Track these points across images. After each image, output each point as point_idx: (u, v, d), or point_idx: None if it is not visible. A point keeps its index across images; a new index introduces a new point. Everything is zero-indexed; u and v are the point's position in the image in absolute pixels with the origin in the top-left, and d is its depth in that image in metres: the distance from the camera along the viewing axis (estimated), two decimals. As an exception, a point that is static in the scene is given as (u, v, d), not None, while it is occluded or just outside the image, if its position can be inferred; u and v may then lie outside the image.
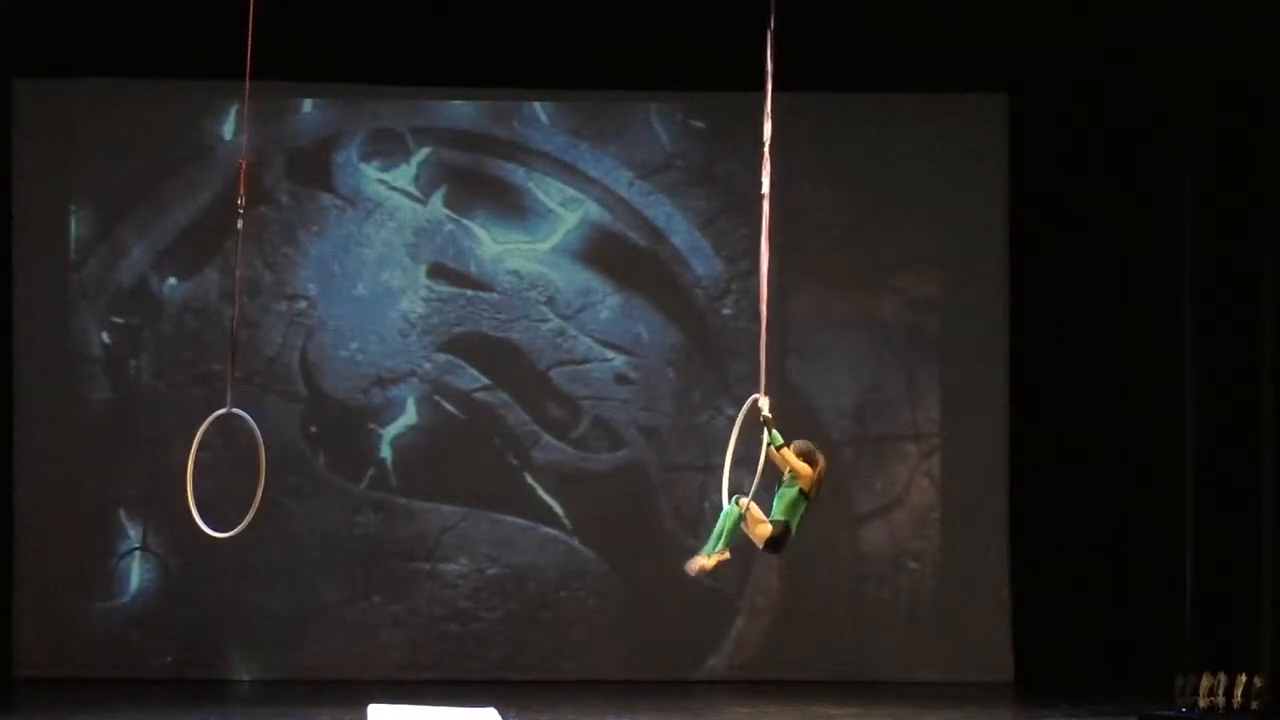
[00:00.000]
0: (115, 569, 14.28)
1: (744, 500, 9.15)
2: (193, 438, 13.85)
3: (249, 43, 9.93)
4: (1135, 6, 13.49)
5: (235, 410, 9.94)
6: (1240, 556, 12.15)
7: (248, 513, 9.77)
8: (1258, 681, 11.81)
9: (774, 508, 9.36)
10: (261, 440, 9.95)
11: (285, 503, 13.97)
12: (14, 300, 14.21)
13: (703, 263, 14.72)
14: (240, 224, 10.29)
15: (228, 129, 14.47)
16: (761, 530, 9.31)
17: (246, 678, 14.21)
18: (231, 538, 9.99)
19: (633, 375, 14.68)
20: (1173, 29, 13.05)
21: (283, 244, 14.49)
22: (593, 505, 14.59)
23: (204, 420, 13.83)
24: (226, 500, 13.52)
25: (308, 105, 14.50)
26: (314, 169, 14.55)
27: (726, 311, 14.65)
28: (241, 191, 10.13)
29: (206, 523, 9.73)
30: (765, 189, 9.14)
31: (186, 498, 9.84)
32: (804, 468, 9.25)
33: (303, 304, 14.53)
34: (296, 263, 14.53)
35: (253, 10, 9.84)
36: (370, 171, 14.62)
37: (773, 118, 9.14)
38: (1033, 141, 14.42)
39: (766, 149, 9.13)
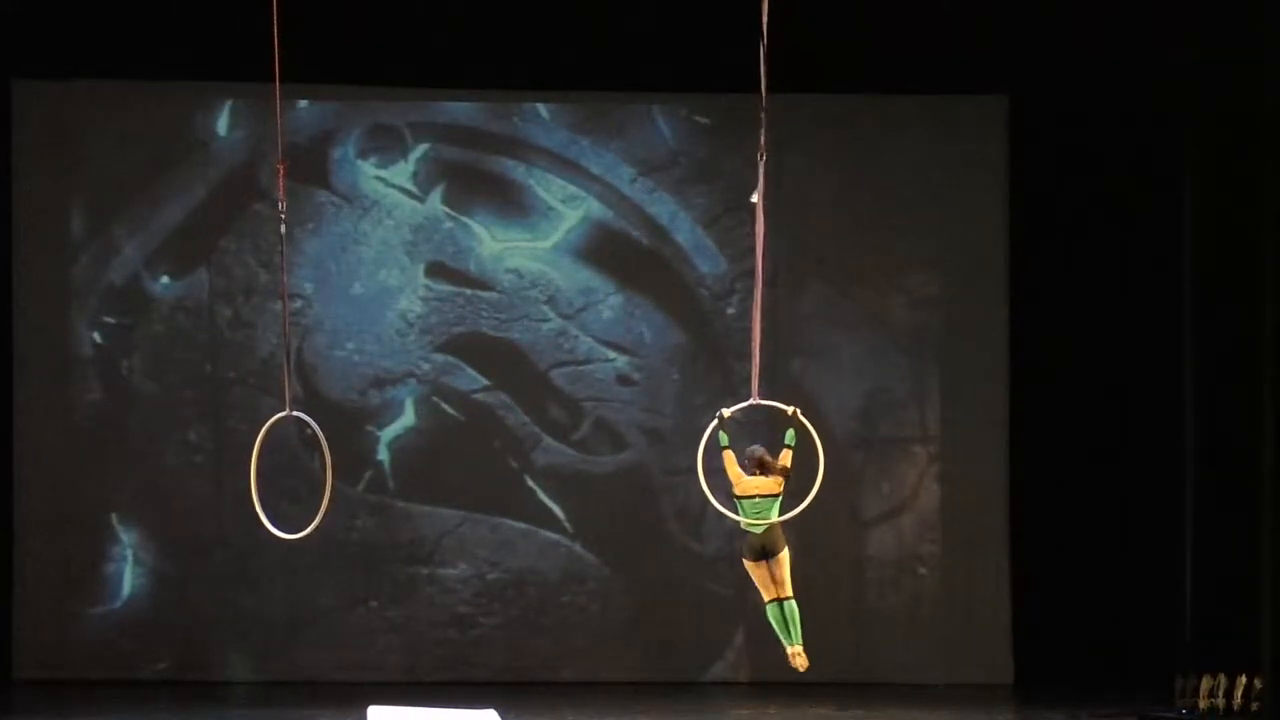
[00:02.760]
0: (110, 573, 15.00)
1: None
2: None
3: (274, 44, 10.57)
4: (1134, 8, 14.12)
5: (297, 413, 10.47)
6: (1240, 557, 12.92)
7: (274, 514, 10.37)
8: (1257, 683, 12.61)
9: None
10: (324, 440, 10.45)
11: (281, 506, 13.93)
12: (13, 301, 14.92)
13: (707, 261, 15.45)
14: (283, 228, 10.95)
15: (222, 125, 15.20)
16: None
17: (243, 679, 14.92)
18: (298, 540, 10.53)
19: (635, 376, 15.41)
20: (1172, 30, 13.78)
21: (278, 242, 14.85)
22: (594, 508, 15.31)
23: (202, 420, 14.93)
24: (220, 501, 14.60)
25: (304, 101, 15.16)
26: (310, 166, 15.23)
27: (731, 311, 15.34)
28: (281, 196, 10.78)
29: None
30: (758, 197, 9.83)
31: (253, 500, 10.37)
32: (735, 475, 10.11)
33: (299, 303, 15.19)
34: (292, 261, 15.12)
35: (276, 12, 10.51)
36: (368, 168, 15.33)
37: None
38: (1033, 142, 15.19)
39: (761, 158, 9.80)
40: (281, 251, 11.35)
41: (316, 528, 10.43)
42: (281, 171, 10.80)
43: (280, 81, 10.90)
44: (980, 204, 15.38)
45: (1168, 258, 14.24)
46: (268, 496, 12.57)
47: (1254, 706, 12.68)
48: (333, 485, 10.45)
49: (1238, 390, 13.16)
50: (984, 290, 15.38)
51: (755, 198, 9.82)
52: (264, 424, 10.57)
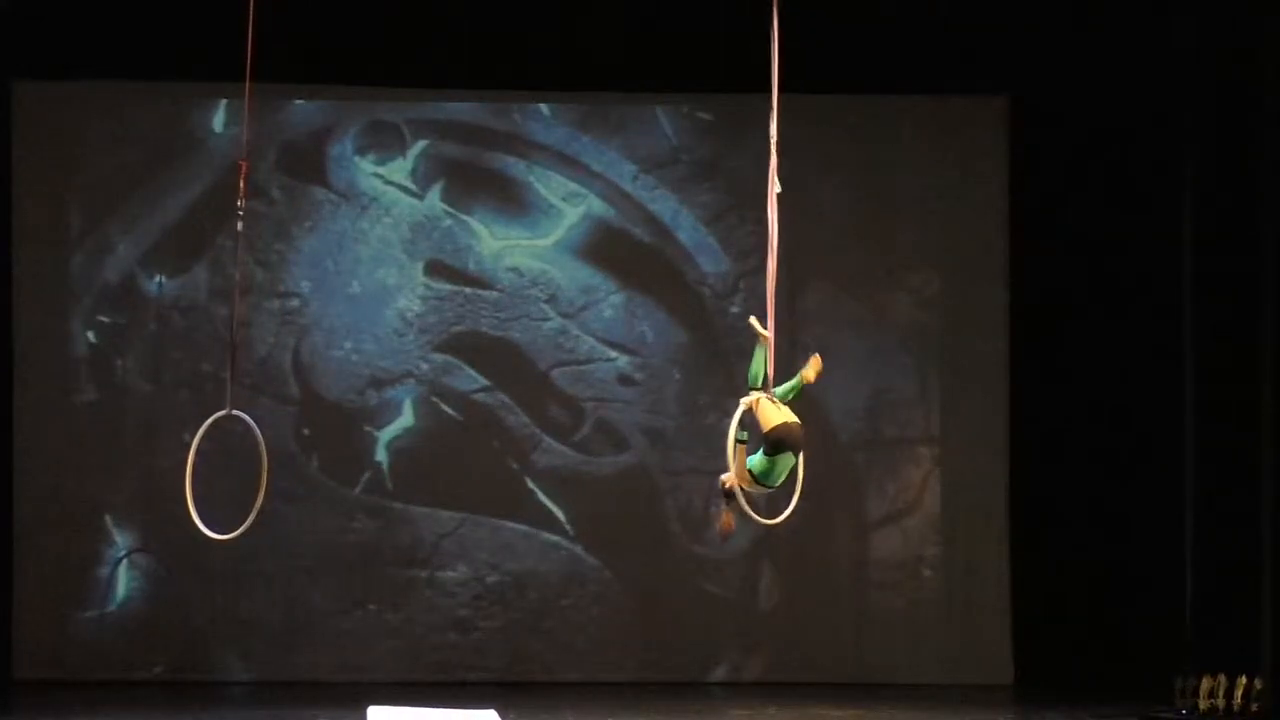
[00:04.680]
0: (105, 575, 15.56)
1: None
2: (181, 440, 15.27)
3: (249, 43, 11.12)
4: (1135, 7, 14.82)
5: (235, 412, 11.03)
6: (1240, 558, 13.50)
7: (245, 515, 10.85)
8: (1257, 683, 13.26)
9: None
10: (263, 441, 11.04)
11: (278, 508, 14.81)
12: (13, 302, 15.47)
13: (709, 260, 16.04)
14: (240, 225, 11.44)
15: (218, 121, 15.78)
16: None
17: (243, 679, 15.45)
18: (228, 541, 11.10)
19: (637, 376, 15.99)
20: (1173, 30, 14.38)
21: (275, 240, 15.73)
22: (595, 510, 15.87)
23: (198, 421, 15.11)
24: (217, 503, 15.22)
25: (300, 98, 15.78)
26: (307, 162, 15.83)
27: (734, 310, 15.86)
28: (242, 193, 11.27)
29: (228, 525, 10.89)
30: (775, 190, 10.25)
31: (185, 499, 10.89)
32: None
33: (295, 302, 15.80)
34: (289, 259, 15.77)
35: (253, 10, 11.06)
36: (365, 165, 15.89)
37: (778, 120, 10.25)
38: (1033, 142, 15.79)
39: (773, 153, 10.23)
40: (238, 246, 12.11)
41: (248, 529, 10.95)
42: (243, 169, 11.20)
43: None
44: (980, 204, 15.95)
45: (1168, 257, 14.72)
46: (264, 498, 13.32)
47: (1254, 707, 13.27)
48: (267, 487, 10.99)
49: (1238, 389, 13.64)
50: (984, 289, 15.96)
51: (777, 188, 10.24)
52: (260, 424, 11.15)
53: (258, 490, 10.88)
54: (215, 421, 11.06)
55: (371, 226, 15.96)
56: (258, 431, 11.03)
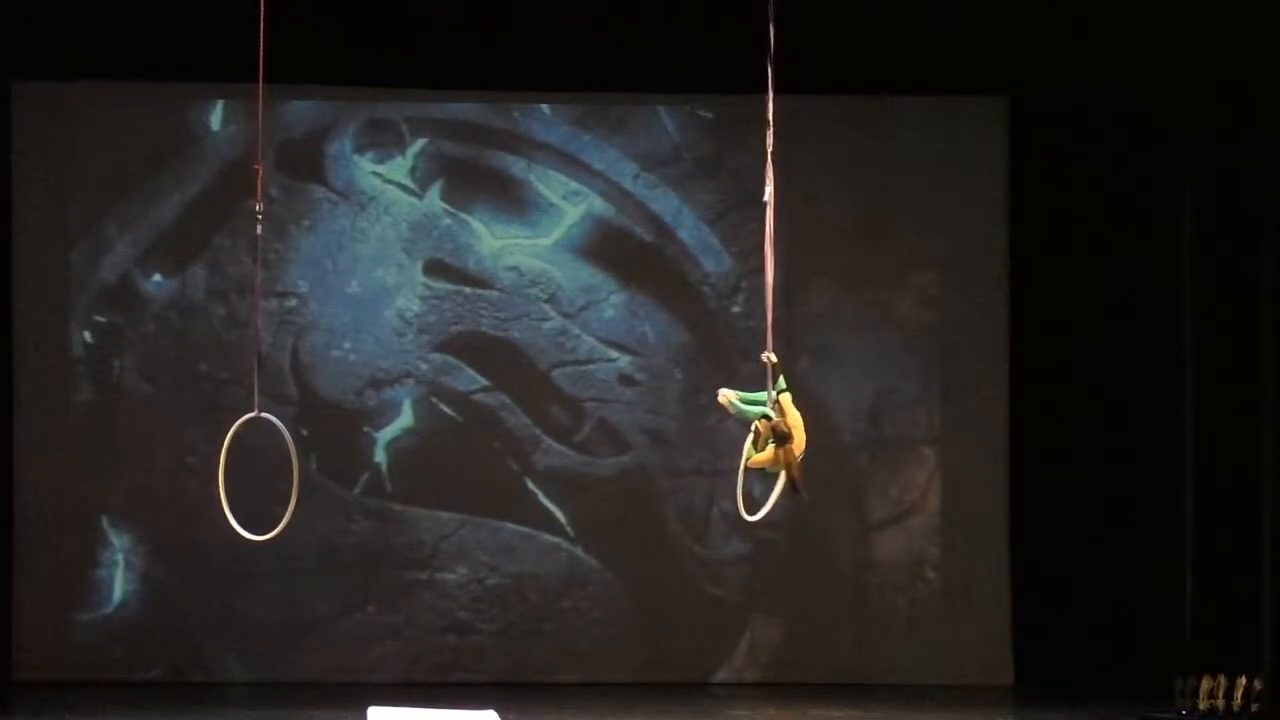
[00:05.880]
0: (101, 577, 15.84)
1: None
2: (179, 440, 15.83)
3: (261, 44, 11.43)
4: (1135, 7, 15.15)
5: (264, 414, 11.36)
6: (1240, 558, 13.81)
7: (251, 515, 11.31)
8: (1257, 684, 13.59)
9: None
10: (291, 442, 11.40)
11: (276, 509, 13.83)
12: (13, 303, 15.73)
13: (711, 259, 16.29)
14: (259, 229, 11.71)
15: (215, 120, 16.04)
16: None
17: (242, 680, 15.71)
18: (263, 541, 11.54)
19: (638, 376, 16.24)
20: (1172, 30, 14.68)
21: (273, 239, 15.84)
22: (596, 511, 16.14)
23: (196, 421, 15.69)
24: (215, 503, 15.54)
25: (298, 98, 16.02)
26: (305, 161, 16.06)
27: (736, 310, 16.18)
28: (259, 196, 11.56)
29: (227, 526, 11.32)
30: (769, 196, 10.59)
31: (220, 500, 11.38)
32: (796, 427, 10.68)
33: (293, 302, 16.04)
34: (287, 259, 16.01)
35: (264, 10, 11.40)
36: (364, 164, 16.14)
37: (780, 120, 10.61)
38: (1033, 143, 16.06)
39: (769, 157, 10.59)
40: (258, 251, 12.28)
41: (284, 530, 11.50)
42: (259, 173, 11.53)
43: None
44: (980, 204, 16.22)
45: (1168, 257, 15.02)
46: (263, 500, 13.51)
47: (1254, 708, 13.60)
48: (299, 488, 11.38)
49: (1239, 389, 13.95)
50: (984, 289, 16.22)
51: (767, 197, 10.55)
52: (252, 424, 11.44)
53: (291, 491, 11.28)
54: (240, 424, 11.43)
55: (370, 225, 16.19)
56: (285, 432, 11.37)
